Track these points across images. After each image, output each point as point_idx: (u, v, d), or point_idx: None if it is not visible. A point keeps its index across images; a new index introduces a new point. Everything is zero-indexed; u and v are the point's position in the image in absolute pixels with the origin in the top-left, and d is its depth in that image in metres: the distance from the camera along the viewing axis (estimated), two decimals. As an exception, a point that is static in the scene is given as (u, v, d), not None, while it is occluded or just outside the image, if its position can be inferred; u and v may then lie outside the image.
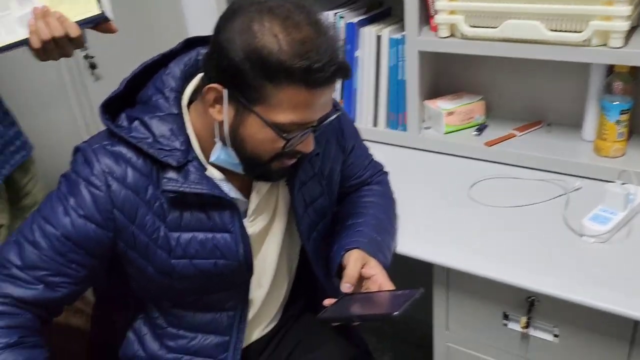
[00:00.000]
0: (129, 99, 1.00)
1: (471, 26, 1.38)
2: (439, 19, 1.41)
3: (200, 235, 0.98)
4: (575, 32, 1.27)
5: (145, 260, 0.96)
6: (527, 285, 1.09)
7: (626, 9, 1.19)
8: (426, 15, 1.50)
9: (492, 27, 1.36)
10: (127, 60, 2.01)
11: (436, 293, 1.27)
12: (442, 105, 1.57)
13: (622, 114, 1.32)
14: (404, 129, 1.60)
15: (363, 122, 1.66)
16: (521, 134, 1.53)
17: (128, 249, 0.95)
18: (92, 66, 1.92)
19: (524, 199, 1.33)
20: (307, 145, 0.96)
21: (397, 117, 1.61)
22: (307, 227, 1.11)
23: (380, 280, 1.01)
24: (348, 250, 1.06)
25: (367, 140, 1.42)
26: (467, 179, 1.43)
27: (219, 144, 0.96)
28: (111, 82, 1.82)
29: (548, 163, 1.42)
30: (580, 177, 1.38)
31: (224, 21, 0.88)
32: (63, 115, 1.89)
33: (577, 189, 1.34)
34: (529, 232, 1.22)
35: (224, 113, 0.91)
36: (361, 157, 1.25)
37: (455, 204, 1.35)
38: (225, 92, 0.89)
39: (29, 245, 0.90)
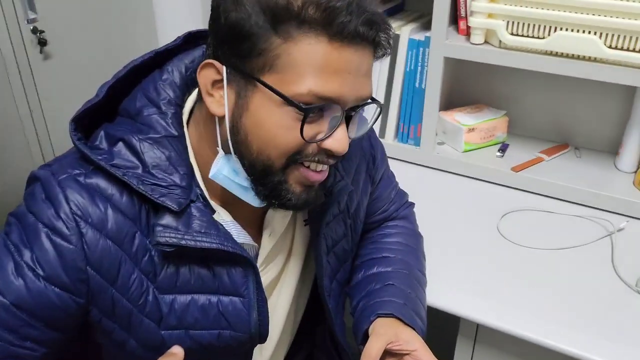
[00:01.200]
0: (106, 109, 0.74)
1: (512, 34, 1.18)
2: (474, 22, 1.20)
3: (202, 299, 0.74)
4: (638, 51, 1.09)
5: (125, 332, 0.72)
6: (572, 350, 0.91)
7: None
8: (454, 15, 1.29)
9: (537, 38, 1.16)
10: (85, 38, 1.73)
11: (460, 346, 1.08)
12: (462, 119, 1.37)
13: (676, 147, 1.17)
14: (416, 144, 1.40)
15: (368, 132, 1.44)
16: (549, 158, 1.36)
17: (103, 317, 0.70)
18: (42, 42, 1.61)
19: (561, 239, 1.15)
20: (339, 141, 0.67)
21: (408, 129, 1.40)
22: (328, 279, 0.89)
23: (422, 358, 0.80)
24: (381, 317, 0.85)
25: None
26: (495, 210, 1.24)
27: (220, 154, 0.71)
28: (63, 63, 1.48)
29: (584, 196, 1.25)
30: (621, 214, 1.22)
31: None
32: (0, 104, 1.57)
33: (622, 230, 1.18)
34: (573, 284, 1.04)
35: (225, 100, 0.67)
36: (388, 188, 1.03)
37: (483, 240, 1.16)
38: (224, 70, 0.66)
39: None
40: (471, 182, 1.35)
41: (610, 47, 1.10)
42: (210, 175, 0.71)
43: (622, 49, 1.10)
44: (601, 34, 1.10)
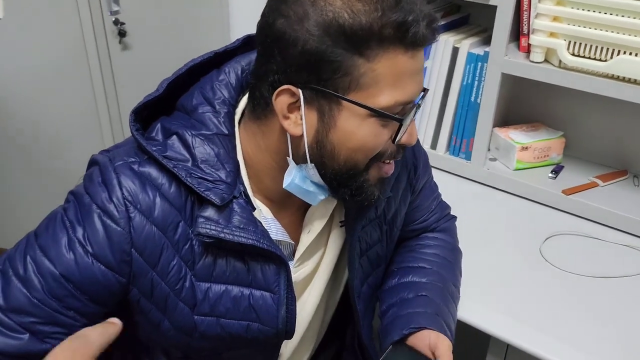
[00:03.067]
0: (164, 103, 0.79)
1: (573, 54, 1.16)
2: (535, 40, 1.19)
3: (235, 290, 0.77)
4: None
5: (161, 314, 0.76)
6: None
7: None
8: (516, 32, 1.28)
9: (599, 60, 1.14)
10: (161, 34, 1.84)
11: (489, 364, 1.08)
12: (515, 137, 1.36)
13: None
14: (467, 158, 1.39)
15: (420, 141, 1.45)
16: (605, 184, 1.32)
17: (142, 297, 0.75)
18: (122, 33, 1.72)
19: (607, 267, 1.12)
20: (413, 134, 0.75)
21: (460, 142, 1.40)
22: (359, 281, 0.91)
23: None
24: (415, 330, 0.87)
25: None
26: (540, 231, 1.22)
27: (292, 165, 0.75)
28: (139, 56, 1.59)
29: (635, 225, 1.20)
30: (675, 249, 1.17)
31: (279, 3, 0.68)
32: (80, 87, 1.69)
33: (672, 265, 1.13)
34: (612, 314, 1.01)
35: (303, 121, 0.70)
36: (430, 198, 1.04)
37: (523, 261, 1.14)
38: (301, 93, 0.69)
39: (18, 282, 0.70)
40: (519, 201, 1.33)
41: (675, 74, 1.07)
42: (284, 186, 0.75)
43: (687, 77, 1.06)
44: (666, 60, 1.07)
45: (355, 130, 0.70)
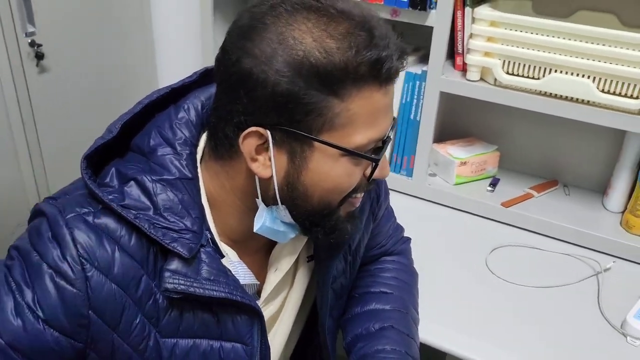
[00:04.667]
0: (115, 143, 0.72)
1: (508, 73, 1.21)
2: (471, 59, 1.22)
3: (204, 344, 0.72)
4: (631, 97, 1.11)
5: None
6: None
7: (695, 81, 1.05)
8: (450, 50, 1.31)
9: (532, 78, 1.19)
10: (82, 53, 1.73)
11: (447, 381, 1.09)
12: (454, 152, 1.39)
13: (662, 191, 1.19)
14: (409, 174, 1.41)
15: (361, 160, 1.45)
16: (539, 194, 1.38)
17: None
18: (39, 56, 1.60)
19: (549, 277, 1.17)
20: (385, 168, 0.73)
21: (402, 160, 1.42)
22: (326, 315, 0.89)
23: None
24: None
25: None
26: (484, 245, 1.25)
27: (262, 207, 0.71)
28: (59, 78, 1.48)
29: (572, 234, 1.27)
30: (608, 254, 1.24)
31: (243, 41, 0.63)
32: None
33: (608, 270, 1.19)
34: (559, 324, 1.06)
35: (272, 163, 0.66)
36: (388, 224, 1.04)
37: (471, 276, 1.17)
38: (269, 135, 0.65)
39: None
40: (462, 215, 1.36)
41: (603, 91, 1.13)
42: (255, 229, 0.72)
43: (614, 93, 1.12)
44: (594, 78, 1.13)
45: (328, 171, 0.67)
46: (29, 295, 0.63)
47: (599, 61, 1.11)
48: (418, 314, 1.01)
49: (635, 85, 1.10)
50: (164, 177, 0.68)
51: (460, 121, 1.49)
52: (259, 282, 0.81)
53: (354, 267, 0.94)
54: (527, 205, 1.34)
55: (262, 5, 0.64)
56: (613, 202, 1.32)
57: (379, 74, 0.63)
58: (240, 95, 0.64)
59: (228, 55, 0.64)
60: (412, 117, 1.36)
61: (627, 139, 1.26)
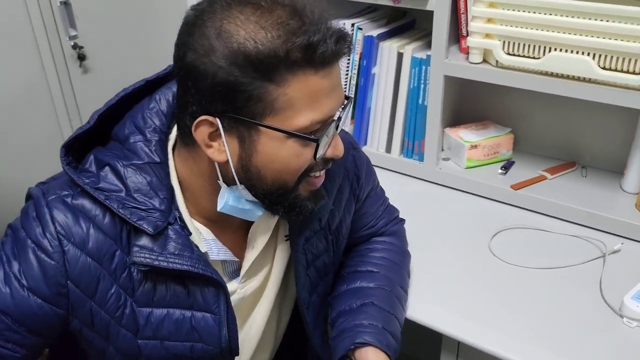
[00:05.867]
0: (101, 133, 0.81)
1: (508, 54, 1.20)
2: (471, 42, 1.22)
3: (177, 313, 0.80)
4: (632, 73, 1.08)
5: (105, 341, 0.79)
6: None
7: (697, 53, 1.00)
8: (456, 34, 1.31)
9: (533, 58, 1.17)
10: (121, 53, 1.86)
11: (444, 360, 1.10)
12: (465, 136, 1.39)
13: (675, 170, 1.14)
14: (420, 159, 1.42)
15: (374, 146, 1.48)
16: (553, 176, 1.35)
17: (84, 327, 0.77)
18: (81, 57, 1.75)
19: (553, 258, 1.15)
20: (337, 147, 0.77)
21: (413, 144, 1.43)
22: (307, 292, 0.94)
23: None
24: (359, 346, 0.89)
25: (377, 167, 1.26)
26: (490, 227, 1.25)
27: (224, 188, 0.78)
28: (101, 77, 1.62)
29: (583, 216, 1.24)
30: (620, 236, 1.20)
31: (187, 37, 0.69)
32: (43, 114, 1.70)
33: (616, 252, 1.16)
34: (558, 305, 1.04)
35: (226, 148, 0.73)
36: (376, 204, 1.07)
37: (473, 258, 1.17)
38: (219, 122, 0.71)
39: None
40: (471, 199, 1.36)
41: (603, 68, 1.10)
42: (218, 209, 0.78)
43: (615, 70, 1.09)
44: (594, 55, 1.10)
45: (276, 153, 0.72)
46: (15, 266, 0.73)
47: (598, 37, 1.08)
48: (407, 292, 1.04)
49: (635, 61, 1.06)
50: (134, 161, 0.76)
51: (475, 105, 1.49)
52: (238, 259, 0.87)
53: (337, 246, 0.98)
54: (539, 187, 1.32)
55: (203, 3, 0.70)
56: (630, 183, 1.27)
57: (312, 59, 0.67)
58: (189, 87, 0.70)
59: (176, 51, 0.71)
60: (420, 102, 1.37)
61: (641, 117, 1.21)
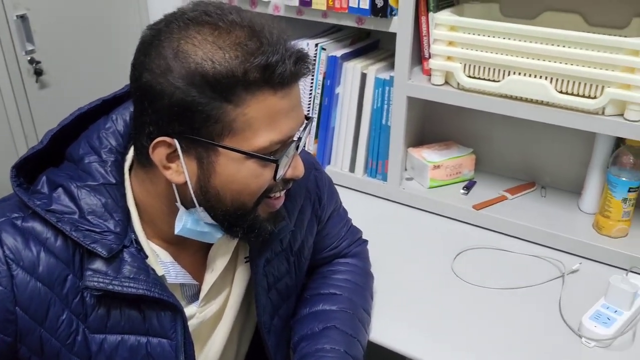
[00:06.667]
0: (54, 153, 0.78)
1: (469, 76, 1.22)
2: (433, 64, 1.24)
3: (132, 340, 0.77)
4: (587, 97, 1.11)
5: None
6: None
7: (649, 79, 1.03)
8: (419, 56, 1.33)
9: (493, 80, 1.19)
10: (80, 69, 1.82)
11: (408, 382, 1.10)
12: (428, 156, 1.40)
13: (630, 191, 1.17)
14: (384, 179, 1.43)
15: (338, 166, 1.48)
16: (513, 196, 1.37)
17: (33, 355, 0.73)
18: (38, 72, 1.70)
19: (514, 278, 1.17)
20: (298, 167, 0.76)
21: (376, 164, 1.44)
22: (269, 316, 0.92)
23: None
24: None
25: (341, 186, 1.25)
26: (452, 247, 1.26)
27: (182, 210, 0.76)
28: (58, 93, 1.57)
29: (542, 236, 1.26)
30: (578, 256, 1.22)
31: (143, 57, 0.68)
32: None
33: (575, 272, 1.18)
34: (519, 326, 1.05)
35: (184, 170, 0.71)
36: (338, 225, 1.06)
37: (436, 279, 1.18)
38: (177, 143, 0.69)
39: None
40: (434, 218, 1.37)
41: (560, 92, 1.13)
42: (176, 232, 0.76)
43: (572, 94, 1.12)
44: (552, 79, 1.13)
45: (235, 174, 0.71)
46: None
47: (555, 62, 1.11)
48: (370, 315, 1.03)
49: (592, 86, 1.09)
50: (88, 182, 0.74)
51: (440, 126, 1.50)
52: (197, 283, 0.85)
53: (299, 267, 0.97)
54: (500, 207, 1.34)
55: (160, 23, 0.69)
56: (587, 203, 1.30)
57: (271, 79, 0.67)
58: (146, 107, 0.69)
59: (133, 72, 0.70)
60: (383, 122, 1.38)
61: (597, 139, 1.25)
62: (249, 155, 0.69)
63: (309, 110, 1.46)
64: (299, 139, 0.74)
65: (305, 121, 0.76)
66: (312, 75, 1.41)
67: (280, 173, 0.73)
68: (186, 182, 0.72)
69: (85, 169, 0.75)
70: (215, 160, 0.70)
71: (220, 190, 0.72)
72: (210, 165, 0.70)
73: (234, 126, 0.68)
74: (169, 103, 0.66)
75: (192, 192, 0.72)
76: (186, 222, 0.76)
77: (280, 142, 0.71)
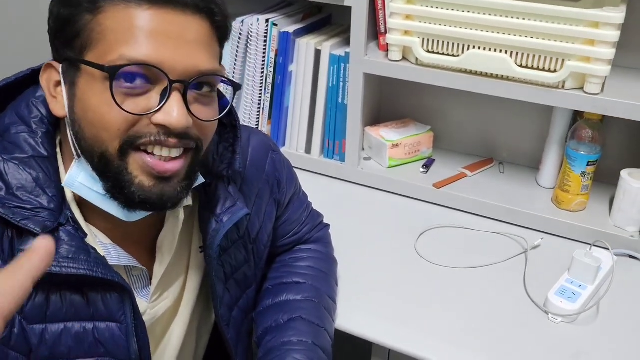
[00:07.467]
0: None
1: (428, 51, 1.18)
2: (390, 39, 1.19)
3: (76, 327, 0.70)
4: (548, 71, 1.09)
5: None
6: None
7: (608, 52, 1.02)
8: (375, 31, 1.28)
9: (452, 55, 1.16)
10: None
11: (374, 370, 1.07)
12: (386, 135, 1.36)
13: (589, 165, 1.17)
14: (341, 159, 1.38)
15: (294, 147, 1.43)
16: (472, 174, 1.36)
17: None
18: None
19: (478, 256, 1.15)
20: (170, 112, 0.62)
21: (333, 145, 1.39)
22: (227, 308, 0.86)
23: None
24: None
25: (297, 168, 1.20)
26: (415, 227, 1.23)
27: (75, 158, 0.67)
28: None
29: (503, 213, 1.25)
30: (539, 231, 1.22)
31: None
32: None
33: (537, 247, 1.18)
34: (485, 304, 1.04)
35: (64, 98, 0.66)
36: (299, 210, 1.01)
37: (399, 261, 1.15)
38: (60, 67, 0.66)
39: None
40: (394, 199, 1.34)
41: (521, 65, 1.11)
42: (63, 183, 0.67)
43: (532, 67, 1.10)
44: (512, 52, 1.10)
45: (91, 98, 0.63)
46: None
47: (515, 35, 1.08)
48: (335, 302, 0.99)
49: (552, 59, 1.08)
50: (16, 155, 0.66)
51: (396, 104, 1.47)
52: (144, 268, 0.77)
53: (258, 255, 0.91)
54: (460, 185, 1.32)
55: None
56: (545, 179, 1.30)
57: None
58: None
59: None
60: (340, 100, 1.33)
61: (555, 113, 1.24)
62: (95, 66, 0.61)
63: (261, 90, 1.39)
64: (196, 91, 0.65)
65: (231, 86, 0.70)
66: (264, 53, 1.35)
67: (136, 106, 0.62)
68: (66, 116, 0.67)
69: (12, 140, 0.67)
70: (77, 81, 0.64)
71: (82, 122, 0.64)
72: (75, 89, 0.65)
73: (91, 38, 0.62)
74: (53, 24, 0.65)
75: (68, 129, 0.67)
76: (76, 174, 0.67)
77: (135, 62, 0.61)
